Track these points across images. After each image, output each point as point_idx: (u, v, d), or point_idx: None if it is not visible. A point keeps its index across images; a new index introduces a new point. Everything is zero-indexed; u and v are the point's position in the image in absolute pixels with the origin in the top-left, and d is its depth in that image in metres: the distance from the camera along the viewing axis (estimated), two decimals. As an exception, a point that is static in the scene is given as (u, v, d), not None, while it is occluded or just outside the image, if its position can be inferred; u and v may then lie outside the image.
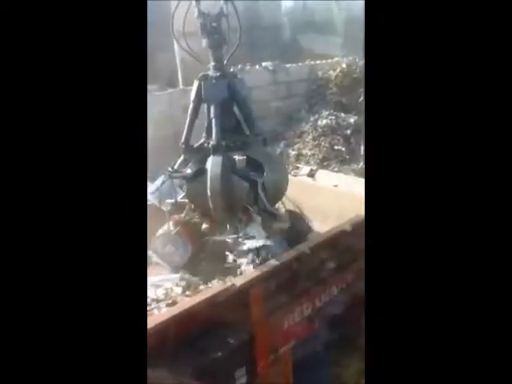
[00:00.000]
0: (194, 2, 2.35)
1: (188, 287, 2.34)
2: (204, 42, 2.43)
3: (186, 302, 1.90)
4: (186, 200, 2.65)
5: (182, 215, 2.70)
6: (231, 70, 2.81)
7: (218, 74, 2.46)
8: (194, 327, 1.86)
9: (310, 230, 2.97)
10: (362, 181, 3.48)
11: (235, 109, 2.56)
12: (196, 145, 2.59)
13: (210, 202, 2.40)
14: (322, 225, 2.90)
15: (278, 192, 2.65)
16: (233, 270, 2.39)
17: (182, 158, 2.60)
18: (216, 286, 2.03)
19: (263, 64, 6.85)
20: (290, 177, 3.12)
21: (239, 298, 1.96)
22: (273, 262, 2.13)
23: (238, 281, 1.99)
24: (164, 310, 2.11)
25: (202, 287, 2.35)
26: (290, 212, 3.00)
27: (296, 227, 2.86)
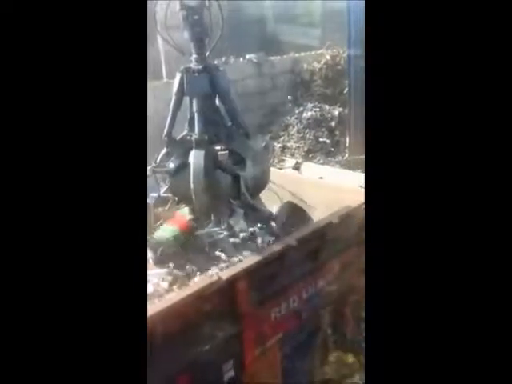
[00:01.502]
0: None
1: (175, 282, 2.32)
2: (186, 35, 2.41)
3: (173, 297, 1.89)
4: (170, 194, 2.63)
5: (166, 208, 2.69)
6: (215, 62, 2.78)
7: (200, 66, 2.44)
8: (181, 321, 1.85)
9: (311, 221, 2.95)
10: (348, 172, 3.50)
11: (218, 102, 2.54)
12: (178, 137, 2.57)
13: (193, 196, 2.39)
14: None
15: (259, 185, 2.65)
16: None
17: (164, 150, 2.58)
18: (202, 280, 2.01)
19: (247, 56, 6.81)
20: (275, 170, 3.12)
21: (226, 292, 1.96)
22: (259, 255, 2.12)
23: (224, 274, 1.98)
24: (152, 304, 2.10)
25: (188, 281, 2.34)
26: (289, 203, 3.00)
27: (295, 219, 2.86)
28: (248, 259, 2.14)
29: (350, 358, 2.70)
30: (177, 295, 1.89)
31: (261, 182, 2.65)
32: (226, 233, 2.45)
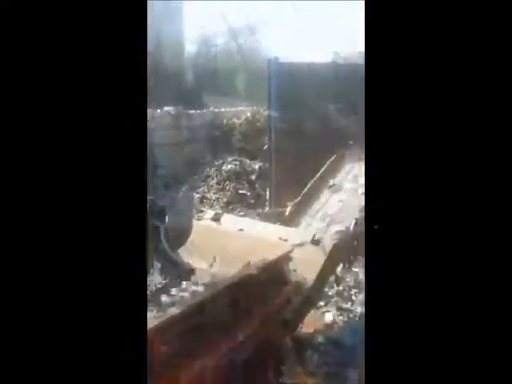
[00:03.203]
0: None
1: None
2: None
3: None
4: None
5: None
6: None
7: None
8: None
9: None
10: (267, 225, 3.51)
11: None
12: None
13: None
14: (227, 269, 2.82)
15: (181, 236, 2.58)
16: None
17: None
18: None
19: (165, 108, 6.83)
20: (194, 221, 3.03)
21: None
22: (174, 310, 1.99)
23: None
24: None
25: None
26: None
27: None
28: (166, 312, 2.00)
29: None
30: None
31: (183, 233, 2.58)
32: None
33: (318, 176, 4.26)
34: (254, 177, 6.44)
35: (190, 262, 2.80)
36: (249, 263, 2.45)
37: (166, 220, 2.43)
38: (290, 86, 5.82)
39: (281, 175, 5.73)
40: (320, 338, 3.22)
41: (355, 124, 5.10)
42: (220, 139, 7.32)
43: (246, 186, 6.29)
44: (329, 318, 3.64)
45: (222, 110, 7.90)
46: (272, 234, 3.04)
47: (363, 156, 1.48)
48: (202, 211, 3.67)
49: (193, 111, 7.20)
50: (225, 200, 5.91)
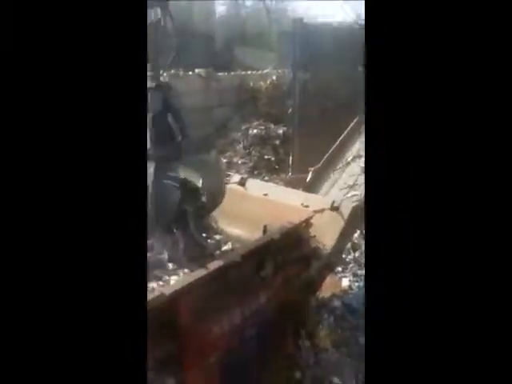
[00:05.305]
0: None
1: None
2: None
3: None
4: None
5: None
6: (166, 80, 2.79)
7: (154, 84, 2.46)
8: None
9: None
10: (290, 191, 3.57)
11: (169, 119, 2.55)
12: None
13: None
14: (251, 233, 2.93)
15: (215, 200, 2.64)
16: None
17: None
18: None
19: (196, 71, 6.82)
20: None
21: (168, 307, 1.93)
22: (202, 271, 2.11)
23: (167, 290, 1.95)
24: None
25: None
26: None
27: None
28: (190, 275, 2.13)
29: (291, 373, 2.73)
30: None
31: (216, 194, 2.64)
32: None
33: (337, 143, 4.26)
34: (277, 142, 6.46)
35: (216, 225, 2.91)
36: (265, 227, 2.52)
37: (203, 199, 2.47)
38: (315, 48, 5.63)
39: (304, 140, 5.67)
40: (336, 303, 3.33)
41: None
42: (247, 103, 7.31)
43: (271, 151, 6.32)
44: (345, 283, 3.74)
45: (249, 72, 7.85)
46: (294, 200, 3.10)
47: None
48: (228, 175, 3.77)
49: (221, 73, 7.19)
50: (250, 165, 5.98)
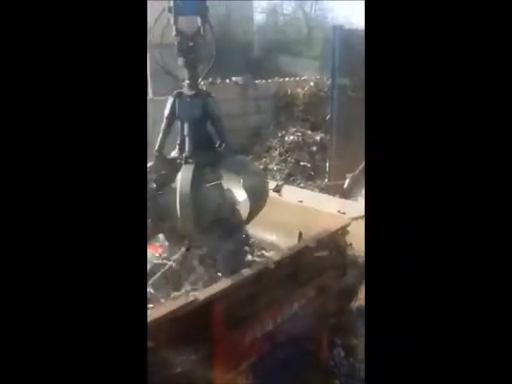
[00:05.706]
0: (172, 19, 2.36)
1: (149, 301, 2.30)
2: (180, 61, 2.45)
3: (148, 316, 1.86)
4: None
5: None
6: (204, 88, 2.83)
7: (193, 92, 2.49)
8: (154, 342, 1.82)
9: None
10: (326, 197, 3.54)
11: (208, 126, 2.58)
12: (169, 156, 2.58)
13: (179, 214, 2.37)
14: (286, 240, 2.91)
15: (257, 205, 2.61)
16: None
17: (151, 163, 2.56)
18: (178, 300, 1.99)
19: (233, 78, 6.89)
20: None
21: (201, 313, 1.94)
22: (236, 277, 2.12)
23: (201, 295, 1.97)
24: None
25: (163, 301, 2.31)
26: None
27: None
28: (225, 281, 2.13)
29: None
30: (151, 315, 1.86)
31: (260, 193, 2.58)
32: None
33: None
34: (314, 148, 6.43)
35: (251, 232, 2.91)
36: (300, 234, 2.47)
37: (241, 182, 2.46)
38: (355, 55, 5.63)
39: (341, 147, 5.65)
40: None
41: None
42: (284, 109, 7.32)
43: (307, 157, 6.30)
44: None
45: (286, 79, 7.87)
46: (330, 207, 3.08)
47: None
48: (265, 180, 3.76)
49: (259, 81, 7.23)
50: (286, 171, 5.98)
